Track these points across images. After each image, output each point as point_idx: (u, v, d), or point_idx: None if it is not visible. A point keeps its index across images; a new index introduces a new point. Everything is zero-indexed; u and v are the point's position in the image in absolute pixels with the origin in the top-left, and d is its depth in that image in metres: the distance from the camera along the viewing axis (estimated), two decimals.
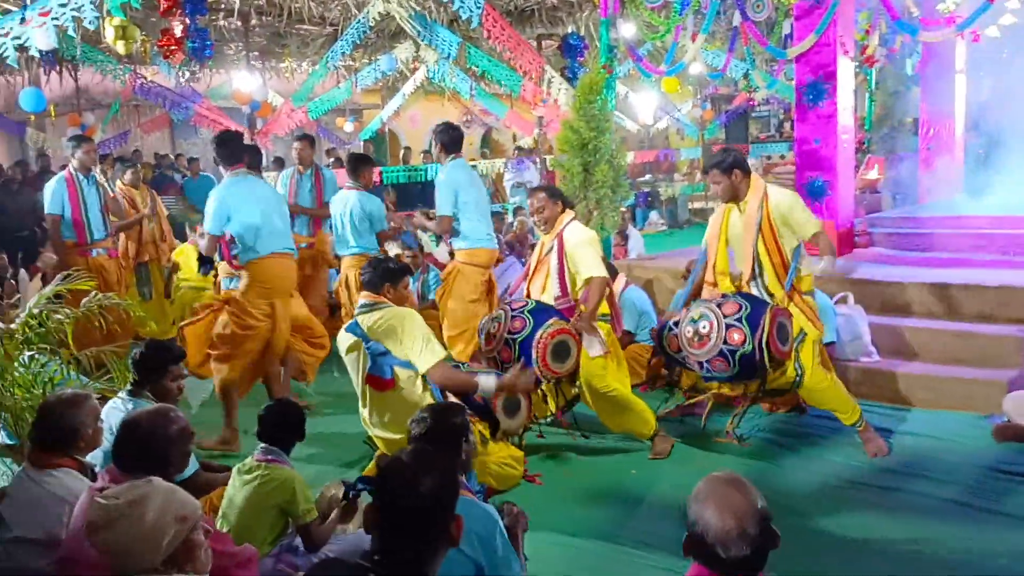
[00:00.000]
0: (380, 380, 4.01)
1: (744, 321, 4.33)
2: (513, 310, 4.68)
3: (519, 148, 15.78)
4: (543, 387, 4.74)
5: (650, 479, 4.42)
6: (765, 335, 4.27)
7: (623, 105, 15.15)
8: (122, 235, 7.48)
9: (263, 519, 3.02)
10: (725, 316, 4.37)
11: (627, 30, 7.92)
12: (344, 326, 4.21)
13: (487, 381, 4.11)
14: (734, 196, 4.71)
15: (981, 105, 9.41)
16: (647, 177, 17.19)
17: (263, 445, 3.22)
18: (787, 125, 17.52)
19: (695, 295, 4.95)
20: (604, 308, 4.75)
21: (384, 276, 4.14)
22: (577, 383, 4.74)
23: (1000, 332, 5.35)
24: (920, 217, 7.93)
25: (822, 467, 4.47)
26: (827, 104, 6.98)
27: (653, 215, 15.66)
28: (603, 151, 7.24)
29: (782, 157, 17.86)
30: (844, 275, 6.08)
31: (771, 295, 4.59)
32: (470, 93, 13.59)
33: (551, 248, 4.80)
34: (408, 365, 4.02)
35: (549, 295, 4.79)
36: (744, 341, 4.29)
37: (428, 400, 3.92)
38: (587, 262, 4.65)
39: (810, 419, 5.11)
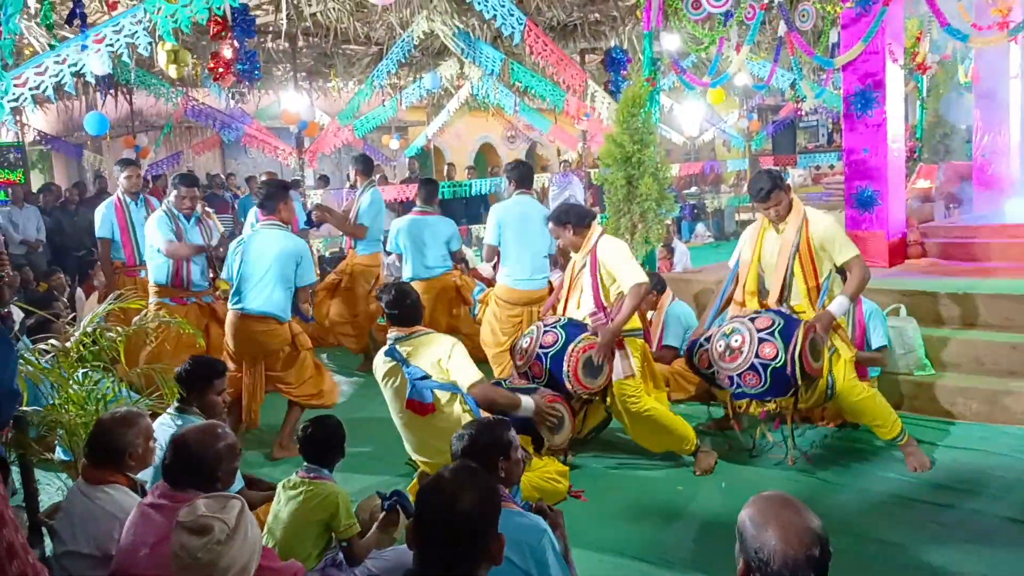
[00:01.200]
0: (421, 404, 4.05)
1: (777, 335, 4.28)
2: (546, 325, 4.67)
3: (564, 162, 15.80)
4: (574, 404, 4.66)
5: (696, 495, 4.36)
6: (798, 349, 4.21)
7: (668, 118, 15.08)
8: None
9: (307, 534, 3.05)
10: (759, 330, 4.33)
11: (670, 43, 7.89)
12: (381, 351, 4.25)
13: (528, 403, 4.14)
14: (786, 214, 4.63)
15: None
16: (693, 189, 17.08)
17: (306, 464, 3.26)
18: (836, 135, 17.28)
19: (721, 312, 4.88)
20: (636, 323, 4.67)
21: (413, 313, 4.21)
22: (608, 401, 4.70)
23: None
24: (974, 226, 7.73)
25: (874, 483, 4.37)
26: (876, 113, 6.87)
27: (699, 227, 15.54)
28: (647, 164, 7.20)
29: (831, 167, 17.62)
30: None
31: (797, 315, 4.51)
32: (514, 109, 13.68)
33: (584, 265, 4.74)
34: (449, 387, 4.05)
35: (583, 312, 4.74)
36: (777, 355, 4.24)
37: (468, 420, 3.94)
38: (625, 272, 4.56)
39: (861, 434, 5.00)
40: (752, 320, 4.42)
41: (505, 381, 4.73)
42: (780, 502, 1.91)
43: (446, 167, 16.74)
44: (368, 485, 4.67)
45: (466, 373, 4.05)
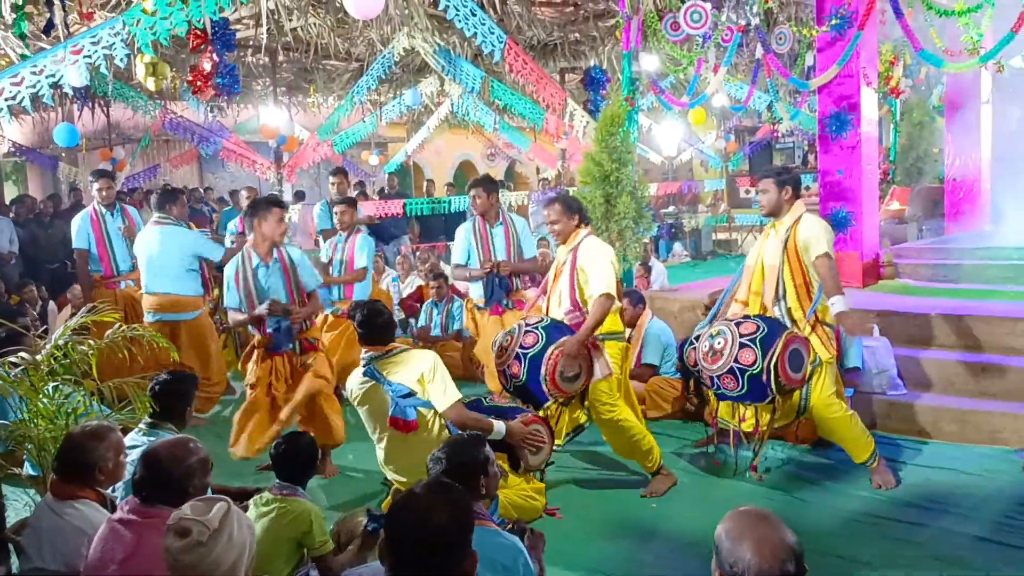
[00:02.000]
0: (404, 422, 3.99)
1: (758, 343, 4.36)
2: (527, 325, 4.63)
3: (543, 180, 15.86)
4: (551, 409, 4.67)
5: (670, 513, 4.36)
6: (775, 358, 4.29)
7: (646, 137, 15.20)
8: None
9: (280, 551, 3.02)
10: (741, 335, 4.42)
11: (649, 63, 7.97)
12: (357, 372, 4.19)
13: (499, 427, 4.12)
14: (776, 210, 4.73)
15: (1008, 135, 9.33)
16: (671, 209, 17.18)
17: (277, 481, 3.23)
18: (811, 156, 17.46)
19: (724, 313, 4.93)
20: (617, 326, 4.73)
21: (385, 331, 4.16)
22: (585, 404, 4.70)
23: None
24: (947, 248, 7.85)
25: (846, 502, 4.39)
26: (850, 135, 6.96)
27: (677, 246, 15.62)
28: (625, 183, 7.25)
29: (807, 188, 17.79)
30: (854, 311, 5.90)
31: (793, 320, 4.58)
32: (494, 126, 13.73)
33: (565, 261, 4.77)
34: (430, 404, 4.02)
35: (562, 310, 4.76)
36: (754, 362, 4.32)
37: (445, 438, 3.91)
38: (595, 279, 4.57)
39: (834, 452, 5.02)
40: (738, 324, 4.50)
41: (486, 397, 4.71)
42: (756, 516, 1.92)
43: (425, 183, 16.75)
44: (343, 501, 4.64)
45: (443, 395, 4.00)
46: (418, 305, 8.40)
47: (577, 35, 11.08)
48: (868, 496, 4.43)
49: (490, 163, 21.05)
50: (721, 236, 16.68)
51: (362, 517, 3.28)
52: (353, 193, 12.17)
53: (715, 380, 4.50)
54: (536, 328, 4.56)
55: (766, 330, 4.40)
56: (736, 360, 4.38)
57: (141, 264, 6.30)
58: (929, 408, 5.30)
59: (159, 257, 6.16)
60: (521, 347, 4.50)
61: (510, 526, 2.93)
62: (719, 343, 4.47)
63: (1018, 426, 4.91)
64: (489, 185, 6.05)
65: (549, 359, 4.40)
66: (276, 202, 5.11)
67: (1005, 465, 4.69)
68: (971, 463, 4.79)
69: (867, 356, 5.47)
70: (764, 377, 4.31)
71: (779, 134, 17.06)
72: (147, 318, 6.15)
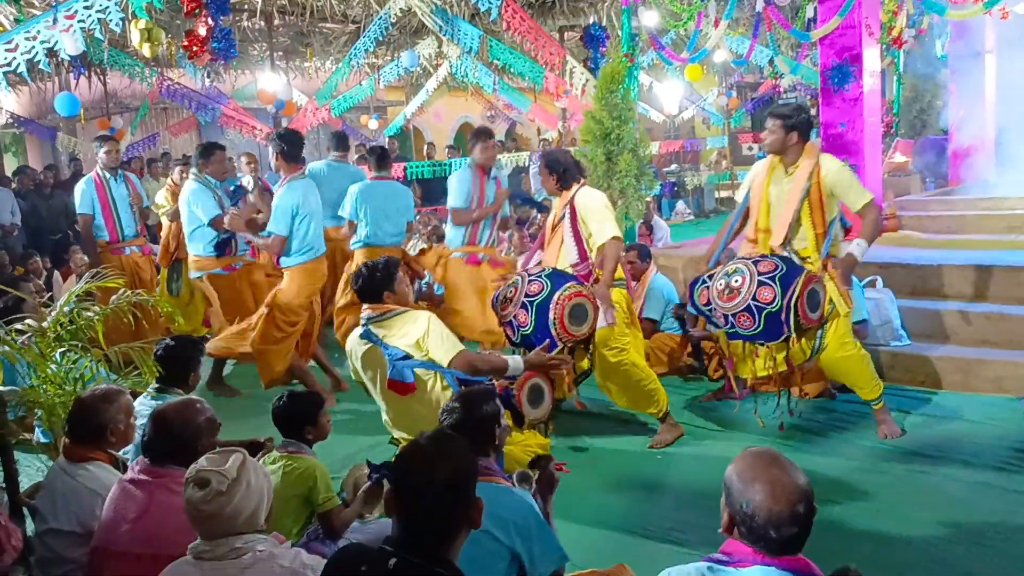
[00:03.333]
0: (402, 384, 3.98)
1: (777, 280, 4.26)
2: (530, 275, 4.65)
3: (544, 141, 15.77)
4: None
5: (676, 465, 4.41)
6: (795, 296, 4.20)
7: (648, 96, 15.07)
8: (164, 230, 7.48)
9: (287, 509, 3.05)
10: (760, 273, 4.31)
11: (649, 19, 7.89)
12: (355, 333, 4.17)
13: (516, 361, 4.12)
14: (781, 151, 4.61)
15: (1012, 85, 9.23)
16: (673, 167, 17.10)
17: (284, 439, 3.27)
18: (814, 111, 17.31)
19: (728, 254, 4.88)
20: (619, 273, 4.73)
21: (381, 285, 4.07)
22: (590, 353, 4.72)
23: None
24: (950, 199, 7.83)
25: (852, 451, 4.43)
26: (853, 87, 6.91)
27: (680, 205, 15.59)
28: (626, 140, 7.22)
29: None
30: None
31: (803, 260, 4.52)
32: (493, 87, 13.61)
33: (563, 215, 4.79)
34: (429, 365, 3.98)
35: (564, 262, 4.78)
36: (773, 300, 4.22)
37: (449, 397, 3.92)
38: (600, 226, 4.62)
39: (839, 403, 5.07)
40: (756, 263, 4.40)
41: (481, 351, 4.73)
42: (768, 458, 1.93)
43: (426, 147, 16.66)
44: (351, 452, 4.68)
45: (445, 347, 3.96)
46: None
47: None
48: (871, 446, 4.47)
49: (491, 124, 20.91)
50: (724, 194, 16.61)
51: (362, 471, 3.32)
52: (354, 157, 12.14)
53: (729, 319, 4.38)
54: (539, 277, 4.59)
55: (785, 269, 4.32)
56: (754, 298, 4.26)
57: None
58: (933, 358, 5.32)
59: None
60: (527, 295, 4.51)
61: (518, 474, 2.96)
62: (736, 280, 4.36)
63: (1020, 374, 4.93)
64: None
65: (557, 303, 4.42)
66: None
67: (1007, 412, 4.73)
68: (974, 411, 4.82)
69: (871, 308, 5.48)
70: (783, 315, 4.21)
71: (781, 89, 16.89)
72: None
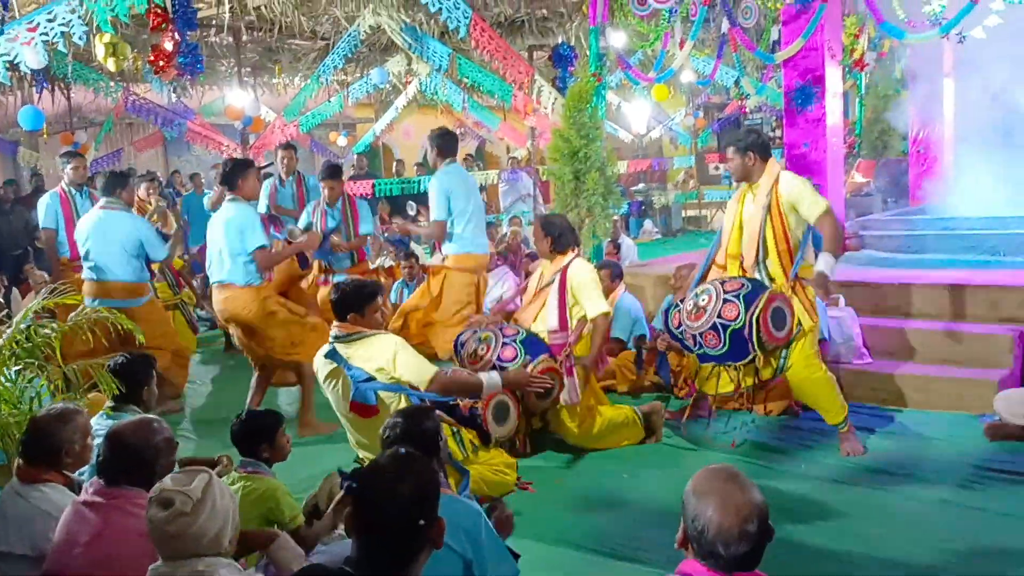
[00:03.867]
0: (364, 407, 3.96)
1: (741, 298, 4.31)
2: (505, 337, 4.64)
3: (512, 159, 15.82)
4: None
5: (642, 484, 4.40)
6: (758, 312, 4.23)
7: (616, 115, 15.19)
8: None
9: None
10: (725, 292, 4.38)
11: (616, 39, 7.95)
12: (321, 352, 4.14)
13: (492, 379, 4.11)
14: (746, 176, 4.67)
15: (970, 107, 9.44)
16: (641, 186, 17.23)
17: (242, 459, 3.22)
18: (779, 132, 17.55)
19: (705, 278, 4.91)
20: (585, 350, 4.79)
21: (351, 307, 4.06)
22: (545, 418, 4.82)
23: (991, 332, 5.35)
24: (911, 219, 7.96)
25: (813, 469, 4.46)
26: (816, 108, 7.02)
27: (647, 224, 15.69)
28: (593, 159, 7.26)
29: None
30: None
31: (772, 280, 4.55)
32: (463, 105, 13.64)
33: (552, 280, 4.82)
34: (394, 388, 3.97)
35: (541, 325, 4.81)
36: (737, 316, 4.26)
37: None
38: (593, 302, 4.72)
39: (803, 421, 5.11)
40: (723, 283, 4.47)
41: (446, 373, 4.70)
42: (725, 475, 1.93)
43: (395, 164, 16.62)
44: (312, 474, 4.61)
45: (418, 371, 3.95)
46: (389, 284, 8.38)
47: (544, 11, 11.01)
48: (836, 463, 4.50)
49: (460, 142, 20.95)
50: (691, 213, 16.78)
51: (335, 481, 3.28)
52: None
53: (698, 339, 4.43)
54: (514, 341, 4.60)
55: (750, 287, 4.38)
56: (719, 315, 4.31)
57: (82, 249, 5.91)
58: (894, 376, 5.38)
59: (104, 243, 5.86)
60: (499, 359, 4.52)
61: (486, 506, 2.94)
62: (703, 299, 4.43)
63: (979, 392, 5.00)
64: None
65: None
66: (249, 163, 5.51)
67: (968, 430, 4.78)
68: (935, 429, 4.88)
69: (832, 326, 5.54)
70: (746, 331, 4.24)
71: (747, 110, 17.12)
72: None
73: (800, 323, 4.49)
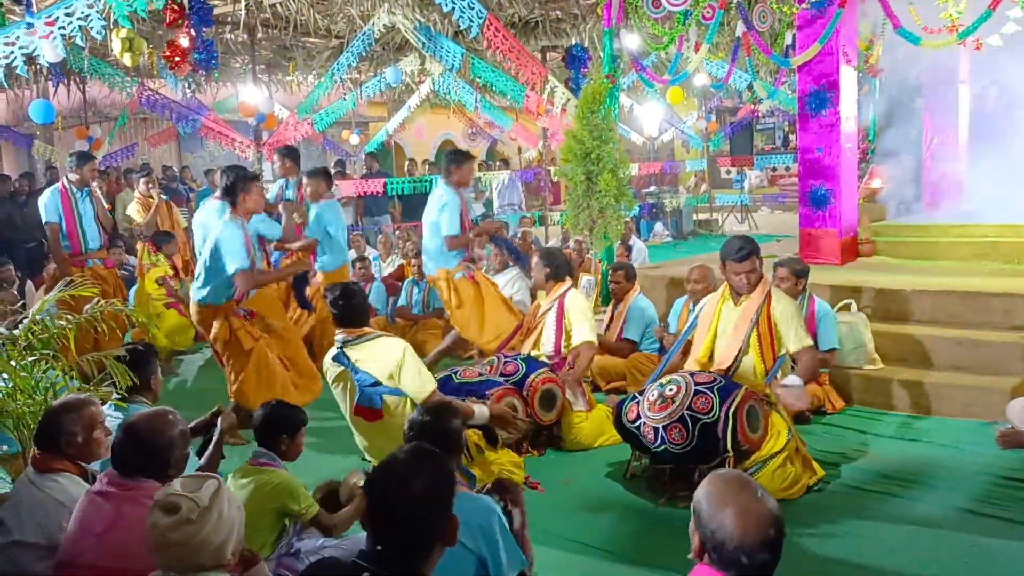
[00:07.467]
0: (369, 411, 4.03)
1: (715, 391, 3.97)
2: (506, 356, 5.07)
3: (525, 159, 15.84)
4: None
5: (651, 486, 4.39)
6: (735, 406, 3.91)
7: (628, 117, 15.18)
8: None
9: (261, 524, 3.02)
10: (697, 383, 4.04)
11: (631, 41, 7.95)
12: (329, 355, 4.21)
13: (481, 411, 4.19)
14: (759, 282, 4.41)
15: (985, 114, 9.39)
16: (652, 189, 17.20)
17: (257, 449, 3.24)
18: (792, 136, 17.53)
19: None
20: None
21: (358, 312, 4.18)
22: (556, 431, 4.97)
23: (1003, 339, 5.33)
24: (924, 225, 7.92)
25: (825, 474, 4.44)
26: (830, 113, 6.99)
27: (658, 226, 15.66)
28: (606, 160, 7.26)
29: (787, 169, 17.88)
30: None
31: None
32: (475, 105, 13.66)
33: (549, 309, 5.29)
34: (398, 393, 4.03)
35: (540, 352, 5.25)
36: (710, 409, 3.90)
37: None
38: (583, 329, 5.15)
39: (813, 427, 5.09)
40: (693, 375, 4.16)
41: (456, 373, 4.75)
42: (738, 484, 1.93)
43: (407, 163, 16.65)
44: (324, 475, 4.62)
45: (419, 384, 4.04)
46: (399, 284, 8.38)
47: (558, 12, 11.00)
48: (848, 470, 4.48)
49: (471, 142, 20.96)
50: (702, 216, 16.74)
51: (357, 477, 3.31)
52: (334, 171, 12.10)
53: (659, 431, 3.97)
54: (515, 359, 5.01)
55: (724, 381, 4.07)
56: (689, 407, 3.91)
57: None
58: (905, 382, 5.36)
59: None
60: (503, 374, 4.85)
61: (487, 487, 2.97)
62: (671, 389, 4.04)
63: (989, 399, 4.98)
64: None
65: (530, 386, 4.75)
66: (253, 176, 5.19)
67: (980, 437, 4.75)
68: (945, 436, 4.87)
69: (844, 332, 5.52)
70: (720, 426, 3.87)
71: (760, 114, 17.09)
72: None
73: (777, 433, 4.11)
